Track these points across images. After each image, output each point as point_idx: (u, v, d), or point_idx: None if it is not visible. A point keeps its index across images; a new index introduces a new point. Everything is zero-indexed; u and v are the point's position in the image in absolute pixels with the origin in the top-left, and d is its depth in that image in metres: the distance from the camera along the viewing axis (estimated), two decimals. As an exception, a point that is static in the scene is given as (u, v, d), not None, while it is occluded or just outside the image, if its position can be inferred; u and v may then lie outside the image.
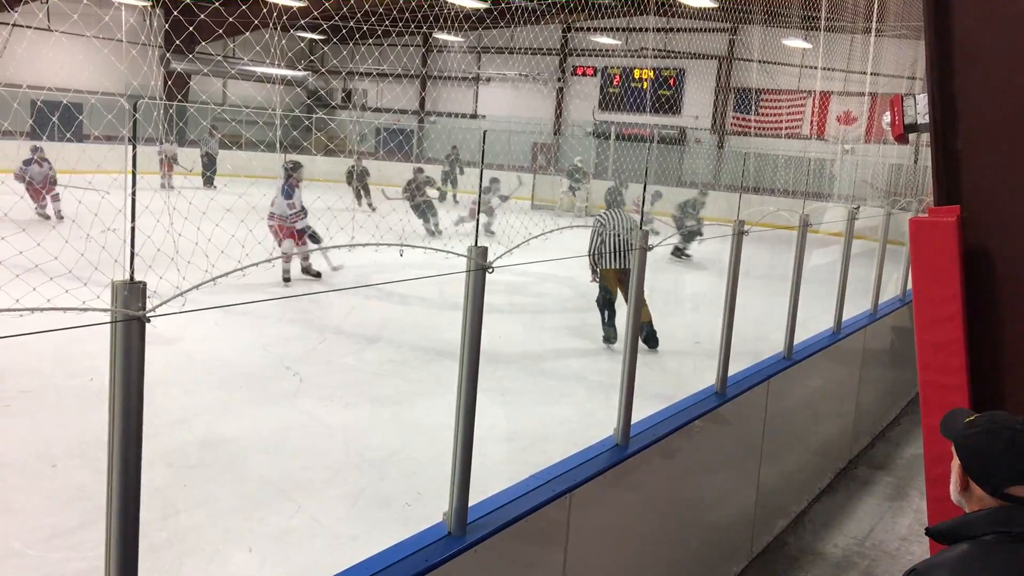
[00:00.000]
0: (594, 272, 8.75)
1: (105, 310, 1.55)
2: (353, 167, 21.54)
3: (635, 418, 3.72)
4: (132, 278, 1.58)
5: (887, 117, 3.75)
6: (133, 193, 1.56)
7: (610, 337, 8.63)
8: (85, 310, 1.50)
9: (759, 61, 25.36)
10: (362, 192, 21.00)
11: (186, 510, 4.64)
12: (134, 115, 1.54)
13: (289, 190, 10.67)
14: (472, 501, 2.77)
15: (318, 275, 10.82)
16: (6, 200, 1.98)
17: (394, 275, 9.35)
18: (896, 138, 3.82)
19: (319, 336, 7.27)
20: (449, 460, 2.72)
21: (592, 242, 8.69)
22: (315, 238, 10.51)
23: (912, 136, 4.13)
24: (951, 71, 3.51)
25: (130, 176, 1.57)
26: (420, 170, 22.65)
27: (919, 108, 3.70)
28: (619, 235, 8.44)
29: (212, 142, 23.48)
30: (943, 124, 3.54)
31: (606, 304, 8.67)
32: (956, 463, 2.07)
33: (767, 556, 5.02)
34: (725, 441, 4.57)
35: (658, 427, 3.85)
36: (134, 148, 1.56)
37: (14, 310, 1.46)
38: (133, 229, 1.57)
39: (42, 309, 1.48)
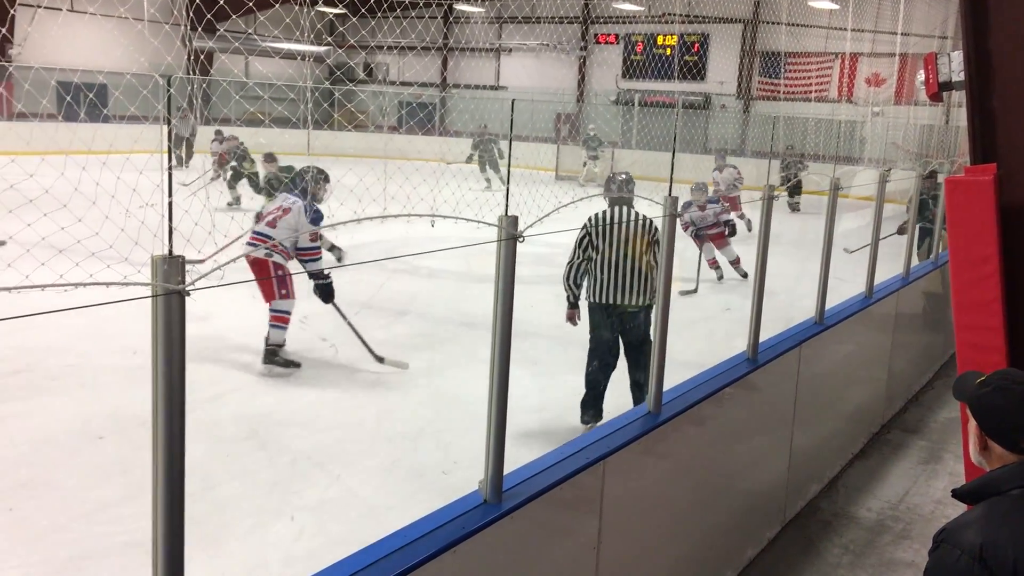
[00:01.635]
0: (575, 304, 5.66)
1: (145, 284, 1.57)
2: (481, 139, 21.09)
3: (666, 385, 3.72)
4: (171, 252, 1.60)
5: (921, 76, 3.68)
6: (170, 169, 1.58)
7: (591, 419, 5.62)
8: (126, 284, 1.52)
9: (787, 24, 24.96)
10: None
11: (224, 483, 4.71)
12: (168, 91, 1.55)
13: (312, 210, 6.69)
14: (506, 471, 2.79)
15: (297, 365, 6.75)
16: (47, 179, 2.00)
17: (421, 248, 9.36)
18: (930, 97, 3.75)
19: (347, 311, 7.30)
20: (481, 430, 2.74)
21: (574, 257, 5.56)
22: (327, 293, 6.68)
23: (945, 95, 4.06)
24: (986, 27, 3.44)
25: (166, 153, 1.59)
26: (485, 127, 22.62)
27: (953, 66, 3.64)
28: (627, 252, 5.42)
29: (186, 124, 20.45)
30: (978, 81, 3.48)
31: (601, 372, 5.67)
32: (973, 424, 2.08)
33: (800, 521, 5.02)
34: (757, 407, 4.56)
35: (690, 394, 3.85)
36: (169, 124, 1.58)
37: (58, 285, 1.49)
38: (171, 204, 1.58)
39: (85, 284, 1.50)
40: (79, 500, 4.49)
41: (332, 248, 8.78)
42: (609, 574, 3.23)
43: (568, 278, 5.61)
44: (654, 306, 4.65)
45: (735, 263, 10.81)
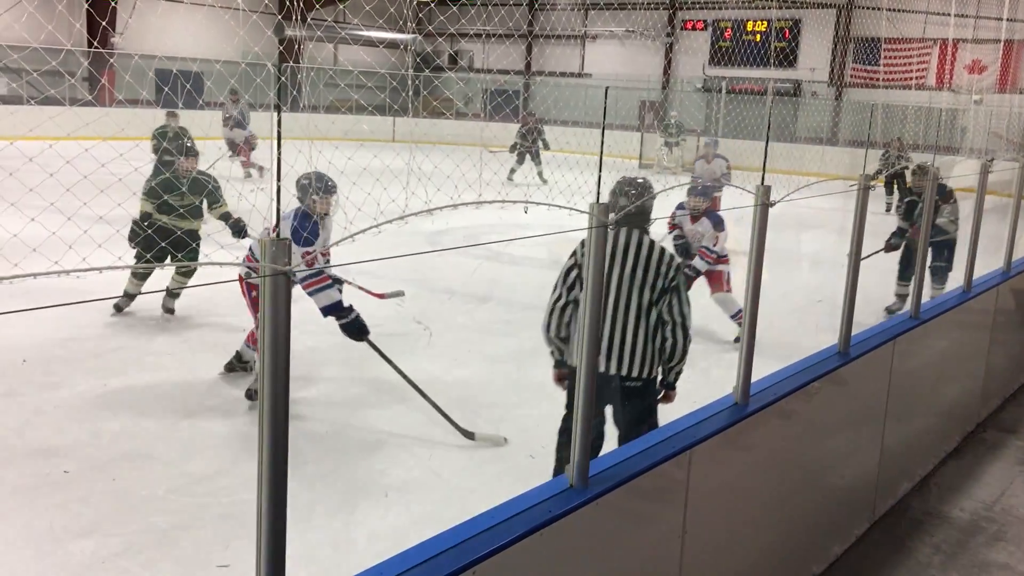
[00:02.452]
0: (562, 363, 4.37)
1: (255, 266, 1.64)
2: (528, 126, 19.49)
3: (754, 377, 3.68)
4: (279, 235, 1.66)
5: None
6: (279, 155, 1.64)
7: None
8: (238, 265, 1.58)
9: (885, 9, 24.16)
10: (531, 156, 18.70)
11: (314, 460, 4.85)
12: (279, 78, 1.61)
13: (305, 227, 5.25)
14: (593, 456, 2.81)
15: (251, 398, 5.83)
16: (143, 163, 2.10)
17: (503, 235, 9.42)
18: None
19: (432, 295, 7.43)
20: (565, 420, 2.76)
21: (557, 297, 4.31)
22: (353, 330, 5.32)
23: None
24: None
25: (275, 139, 1.65)
26: (531, 113, 21.65)
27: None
28: (627, 299, 3.99)
29: (237, 110, 15.37)
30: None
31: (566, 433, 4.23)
32: None
33: (890, 519, 4.91)
34: (848, 402, 4.47)
35: (778, 386, 3.79)
36: (279, 111, 1.64)
37: (176, 265, 1.56)
38: (279, 189, 1.65)
39: (202, 264, 1.57)
40: (177, 472, 4.68)
41: (233, 222, 6.57)
42: (694, 563, 3.22)
43: (549, 327, 4.25)
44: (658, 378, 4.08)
45: (736, 317, 7.43)
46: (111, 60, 19.21)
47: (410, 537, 2.51)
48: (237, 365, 6.14)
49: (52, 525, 4.08)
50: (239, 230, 6.50)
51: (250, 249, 5.61)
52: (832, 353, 4.34)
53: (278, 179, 1.64)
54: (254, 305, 5.40)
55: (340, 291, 5.36)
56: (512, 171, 18.03)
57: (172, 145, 6.90)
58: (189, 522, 4.18)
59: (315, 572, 3.77)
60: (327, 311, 5.17)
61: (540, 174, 18.19)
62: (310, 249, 5.16)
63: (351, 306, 5.23)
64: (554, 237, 2.83)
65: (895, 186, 15.62)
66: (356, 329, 5.25)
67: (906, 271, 8.50)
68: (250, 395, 5.60)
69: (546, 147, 19.47)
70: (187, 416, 5.42)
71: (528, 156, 18.76)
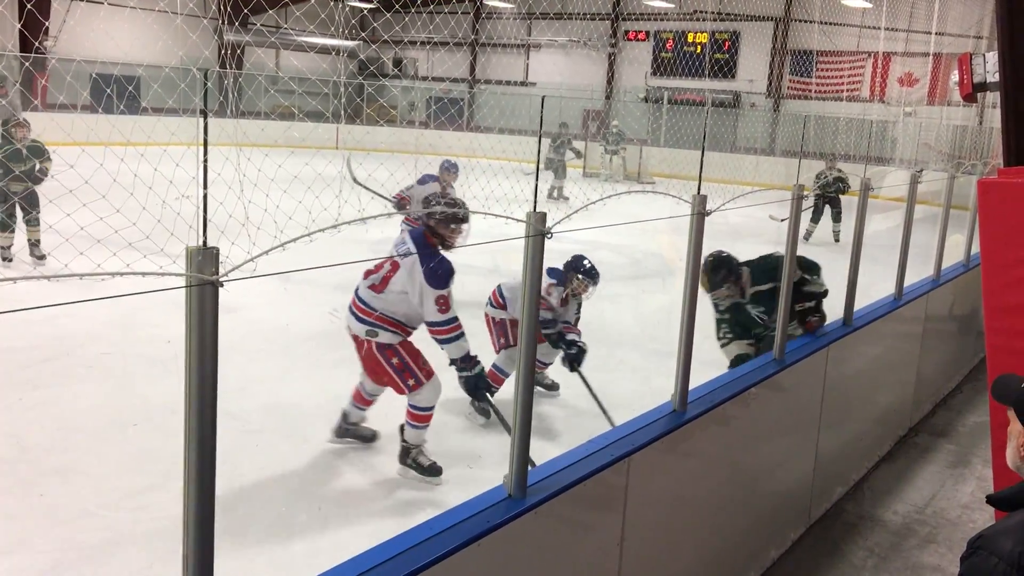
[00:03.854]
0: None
1: (180, 275, 1.60)
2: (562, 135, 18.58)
3: (692, 384, 3.71)
4: (206, 244, 1.62)
5: (955, 76, 3.65)
6: (205, 161, 1.60)
7: None
8: (162, 275, 1.55)
9: (819, 22, 24.74)
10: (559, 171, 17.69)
11: (251, 473, 4.76)
12: (205, 84, 1.57)
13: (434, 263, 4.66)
14: (529, 467, 2.80)
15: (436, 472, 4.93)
16: (87, 167, 2.04)
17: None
18: (964, 98, 3.72)
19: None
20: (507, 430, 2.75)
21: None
22: (473, 386, 4.81)
23: (978, 97, 4.02)
24: (1022, 28, 3.40)
25: (202, 146, 1.61)
26: (564, 125, 20.84)
27: (988, 67, 3.60)
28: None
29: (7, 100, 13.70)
30: (1013, 83, 3.44)
31: None
32: (1017, 427, 2.04)
33: (825, 522, 5.00)
34: (783, 408, 4.54)
35: (715, 393, 3.84)
36: (205, 117, 1.60)
37: (95, 275, 1.52)
38: (206, 196, 1.61)
39: (121, 273, 1.53)
40: (108, 487, 4.55)
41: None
42: (632, 571, 3.23)
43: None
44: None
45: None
46: (51, 62, 18.76)
47: (349, 549, 2.47)
48: (346, 427, 5.20)
49: (-25, 543, 3.93)
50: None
51: (365, 303, 4.75)
52: (768, 360, 4.40)
53: (204, 187, 1.60)
54: (402, 372, 4.74)
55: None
56: (552, 188, 17.32)
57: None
58: (119, 538, 4.06)
59: (250, 587, 3.69)
60: (458, 362, 4.71)
61: (560, 189, 17.46)
62: (444, 292, 4.51)
63: (476, 360, 4.73)
64: (496, 245, 2.82)
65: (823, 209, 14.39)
66: (477, 385, 4.76)
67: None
68: (407, 453, 4.89)
69: (577, 155, 19.00)
70: (118, 429, 5.28)
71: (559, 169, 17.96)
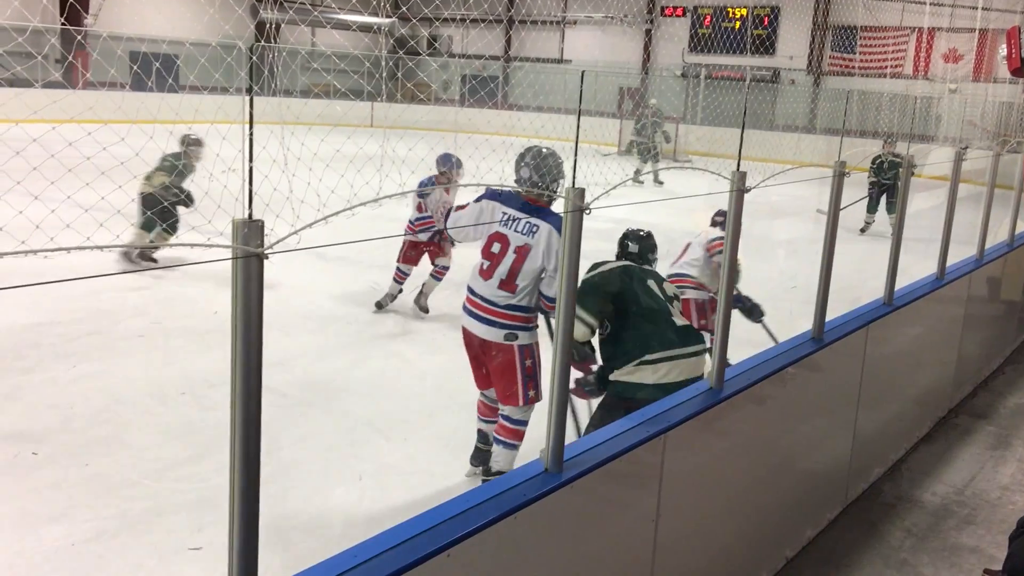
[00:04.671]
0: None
1: (227, 247, 1.62)
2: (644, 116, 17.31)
3: (729, 362, 3.70)
4: (251, 216, 1.64)
5: (1003, 50, 3.57)
6: (251, 136, 1.62)
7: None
8: (209, 246, 1.57)
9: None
10: (649, 153, 16.43)
11: (289, 446, 4.84)
12: (251, 59, 1.59)
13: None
14: (567, 440, 2.81)
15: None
16: (138, 142, 2.07)
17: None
18: (1012, 72, 3.65)
19: (410, 281, 7.41)
20: (543, 400, 2.76)
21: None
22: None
23: (1028, 71, 3.93)
24: (1075, 0, 3.32)
25: (247, 122, 1.63)
26: (648, 105, 18.91)
27: (1038, 41, 3.51)
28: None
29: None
30: (1064, 57, 3.36)
31: None
32: None
33: (862, 503, 4.97)
34: (821, 387, 4.51)
35: (752, 372, 3.82)
36: (251, 93, 1.62)
37: (143, 247, 1.54)
38: (251, 170, 1.63)
39: (170, 245, 1.56)
40: (151, 457, 4.65)
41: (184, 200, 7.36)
42: (667, 546, 3.24)
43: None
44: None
45: None
46: (78, 38, 18.95)
47: (385, 522, 2.51)
48: (483, 448, 4.64)
49: (23, 510, 4.04)
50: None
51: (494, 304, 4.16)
52: (806, 339, 4.37)
53: (250, 160, 1.62)
54: (530, 377, 4.15)
55: None
56: (637, 172, 15.64)
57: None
58: (162, 507, 4.15)
59: (289, 558, 3.76)
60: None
61: (656, 175, 15.89)
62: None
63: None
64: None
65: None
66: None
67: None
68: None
69: (667, 140, 17.41)
70: (161, 401, 5.38)
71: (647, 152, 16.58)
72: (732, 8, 28.46)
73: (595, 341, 4.21)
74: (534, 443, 3.97)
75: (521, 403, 4.23)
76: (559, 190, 4.08)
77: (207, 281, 7.04)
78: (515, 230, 4.14)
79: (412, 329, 6.96)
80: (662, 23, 30.35)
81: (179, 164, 7.46)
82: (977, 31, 20.50)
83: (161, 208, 7.34)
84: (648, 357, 3.96)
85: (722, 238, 4.04)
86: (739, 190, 3.49)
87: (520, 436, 4.34)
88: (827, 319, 4.48)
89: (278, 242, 1.66)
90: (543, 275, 4.11)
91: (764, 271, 9.84)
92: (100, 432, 4.93)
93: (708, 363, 3.79)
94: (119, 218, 1.90)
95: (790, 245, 11.78)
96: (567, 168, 2.68)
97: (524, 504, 2.57)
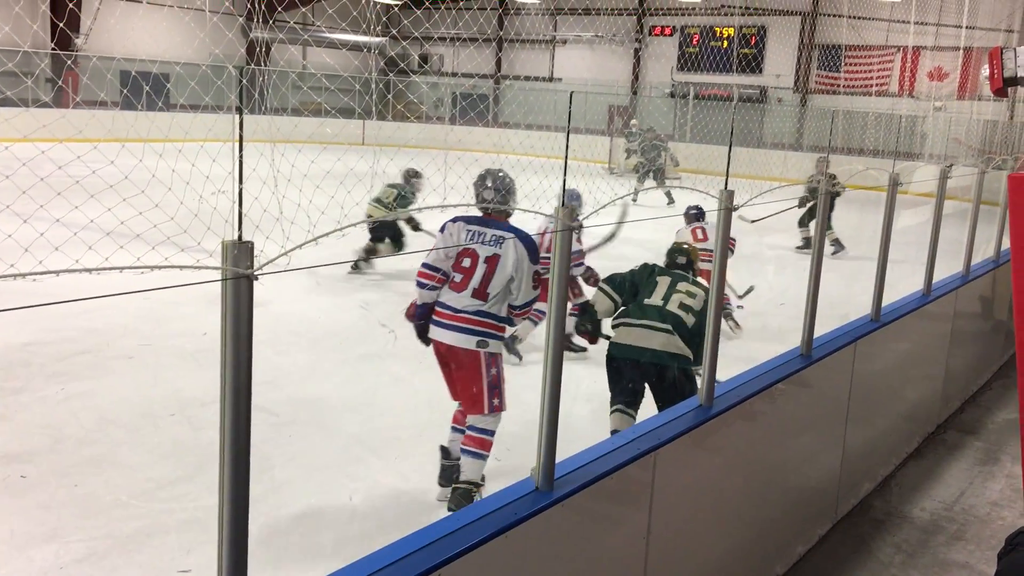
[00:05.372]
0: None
1: (216, 268, 1.64)
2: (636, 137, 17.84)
3: (718, 379, 3.72)
4: (241, 238, 1.66)
5: (985, 70, 3.62)
6: (241, 157, 1.64)
7: None
8: (199, 268, 1.58)
9: (847, 16, 24.52)
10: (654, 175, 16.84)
11: (280, 465, 4.83)
12: (241, 81, 1.61)
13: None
14: (558, 459, 2.82)
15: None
16: (127, 163, 2.08)
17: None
18: (995, 92, 3.69)
19: (404, 300, 7.42)
20: (534, 419, 2.77)
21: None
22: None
23: (1010, 91, 3.99)
24: (1054, 21, 3.37)
25: (237, 142, 1.65)
26: (651, 129, 19.86)
27: (1019, 60, 3.57)
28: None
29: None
30: (1045, 77, 3.41)
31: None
32: None
33: (852, 519, 4.98)
34: (810, 404, 4.53)
35: (742, 388, 3.84)
36: (241, 114, 1.64)
37: (132, 268, 1.56)
38: (241, 191, 1.64)
39: (159, 267, 1.57)
40: (141, 477, 4.63)
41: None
42: (658, 564, 3.25)
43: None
44: None
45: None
46: (67, 62, 18.98)
47: (377, 541, 2.51)
48: (476, 492, 4.41)
49: (13, 531, 4.02)
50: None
51: (461, 312, 4.34)
52: (795, 355, 4.39)
53: (240, 182, 1.64)
54: (493, 387, 4.39)
55: None
56: (636, 192, 15.94)
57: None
58: (152, 528, 4.14)
59: (280, 577, 3.74)
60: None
61: (668, 194, 16.33)
62: (539, 267, 4.42)
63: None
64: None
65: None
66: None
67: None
68: (468, 497, 4.33)
69: (675, 164, 17.72)
70: (151, 421, 5.36)
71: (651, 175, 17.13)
72: (719, 28, 28.73)
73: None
74: (527, 461, 3.97)
75: (486, 411, 4.36)
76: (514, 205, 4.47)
77: (198, 300, 7.04)
78: (482, 243, 4.36)
79: (404, 347, 6.95)
80: (650, 42, 30.59)
81: (403, 192, 8.89)
82: (962, 50, 20.72)
83: (390, 227, 9.03)
84: (629, 320, 4.73)
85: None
86: (727, 208, 3.52)
87: (487, 446, 4.42)
88: (816, 335, 4.50)
89: (268, 263, 1.67)
90: (511, 285, 4.35)
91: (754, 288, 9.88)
92: (90, 452, 4.90)
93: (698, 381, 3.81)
94: (108, 240, 1.91)
95: (778, 261, 11.84)
96: (556, 186, 2.72)
97: (515, 523, 2.57)
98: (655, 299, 4.73)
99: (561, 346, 2.74)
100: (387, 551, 2.37)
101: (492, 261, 4.33)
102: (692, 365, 4.56)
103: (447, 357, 4.45)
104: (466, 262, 4.37)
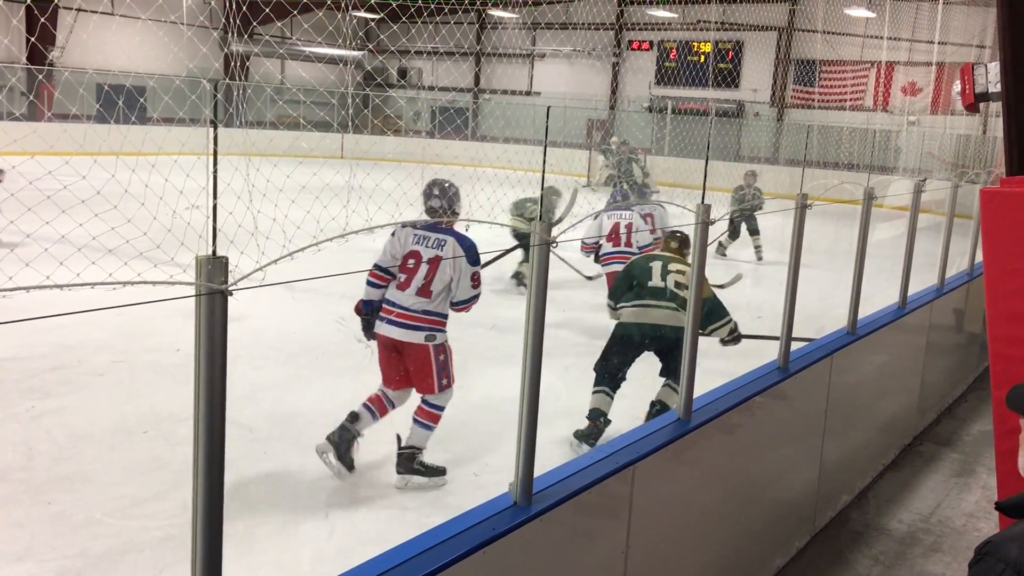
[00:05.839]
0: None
1: (190, 284, 1.62)
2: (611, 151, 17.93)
3: (696, 393, 3.73)
4: (215, 253, 1.64)
5: (957, 86, 3.67)
6: (215, 172, 1.63)
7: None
8: (172, 284, 1.57)
9: (822, 32, 24.81)
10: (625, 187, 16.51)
11: (256, 481, 4.78)
12: (215, 96, 1.60)
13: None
14: (536, 473, 2.81)
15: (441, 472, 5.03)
16: (99, 178, 2.06)
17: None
18: (966, 107, 3.74)
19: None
20: (512, 433, 2.77)
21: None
22: None
23: (982, 105, 4.04)
24: (1023, 38, 3.42)
25: (212, 156, 1.64)
26: (625, 143, 20.12)
27: (990, 76, 3.62)
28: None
29: None
30: (1015, 92, 3.45)
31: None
32: None
33: (830, 531, 5.00)
34: (788, 416, 4.55)
35: (720, 402, 3.85)
36: (215, 128, 1.62)
37: (105, 284, 1.54)
38: (215, 207, 1.63)
39: (132, 283, 1.55)
40: (115, 495, 4.57)
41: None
42: (637, 579, 3.24)
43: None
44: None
45: None
46: (39, 76, 18.85)
47: (355, 557, 2.49)
48: (418, 455, 4.89)
49: (-17, 551, 3.95)
50: None
51: (411, 311, 4.73)
52: (772, 368, 4.41)
53: (214, 196, 1.62)
54: (443, 369, 4.84)
55: None
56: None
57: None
58: (126, 546, 4.08)
59: (257, 595, 3.70)
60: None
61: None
62: (478, 268, 4.87)
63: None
64: (498, 252, 2.85)
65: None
66: None
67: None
68: (412, 459, 4.85)
69: (645, 174, 17.92)
70: (125, 438, 5.30)
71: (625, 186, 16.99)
72: (696, 43, 28.96)
73: None
74: (506, 475, 3.97)
75: (437, 391, 4.90)
76: (460, 212, 4.93)
77: (174, 315, 6.96)
78: (426, 246, 4.80)
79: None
80: (629, 57, 30.79)
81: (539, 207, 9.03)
82: (934, 65, 21.00)
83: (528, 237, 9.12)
84: (635, 302, 5.55)
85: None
86: (704, 222, 3.54)
87: (437, 419, 4.96)
88: (792, 348, 4.53)
89: (243, 278, 1.66)
90: (451, 284, 4.78)
91: (730, 301, 9.92)
92: (63, 470, 4.84)
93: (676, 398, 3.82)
94: (80, 256, 1.88)
95: (755, 274, 11.91)
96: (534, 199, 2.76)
97: (493, 538, 2.56)
98: (655, 281, 5.52)
99: (539, 359, 2.74)
100: (365, 567, 2.35)
101: (434, 263, 4.77)
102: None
103: (394, 351, 4.88)
104: (411, 263, 4.81)
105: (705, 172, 3.79)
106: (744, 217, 12.99)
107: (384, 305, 4.84)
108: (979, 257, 8.32)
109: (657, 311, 5.45)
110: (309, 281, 3.44)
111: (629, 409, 5.68)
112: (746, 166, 16.62)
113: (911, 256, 6.31)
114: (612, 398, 5.43)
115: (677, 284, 5.44)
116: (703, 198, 3.54)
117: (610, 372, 5.48)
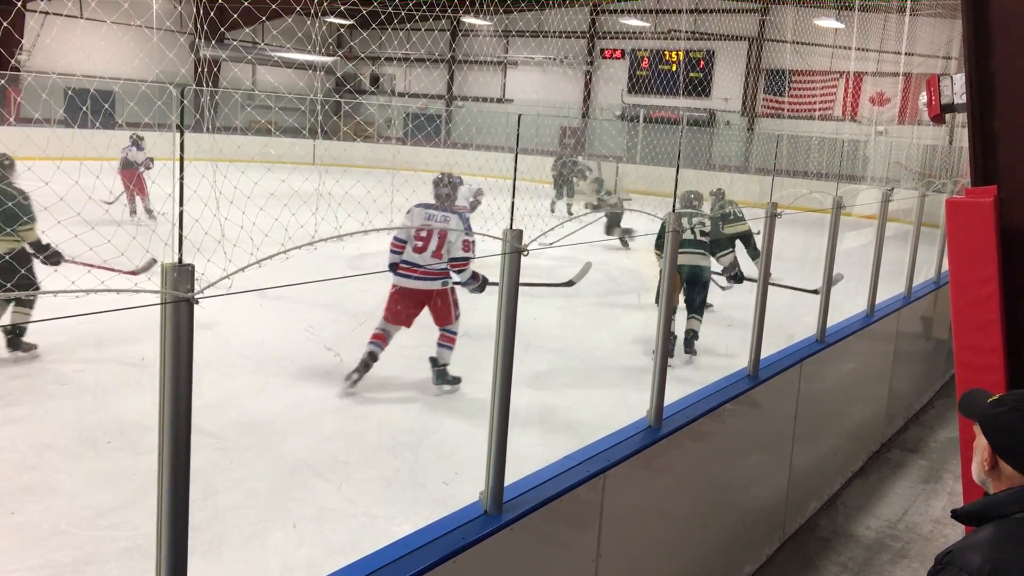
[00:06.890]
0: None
1: (155, 292, 1.60)
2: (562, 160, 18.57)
3: (667, 400, 3.74)
4: (181, 261, 1.62)
5: (923, 97, 3.71)
6: (181, 178, 1.60)
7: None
8: (137, 292, 1.54)
9: (791, 42, 25.08)
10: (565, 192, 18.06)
11: (225, 490, 4.73)
12: (182, 101, 1.58)
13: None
14: (507, 482, 2.80)
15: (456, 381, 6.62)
16: (62, 186, 2.03)
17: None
18: (932, 118, 3.78)
19: (353, 320, 7.35)
20: (483, 441, 2.76)
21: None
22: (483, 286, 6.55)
23: (948, 116, 4.09)
24: (988, 50, 3.47)
25: (178, 162, 1.61)
26: (567, 145, 21.03)
27: (956, 88, 3.67)
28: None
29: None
30: (980, 104, 3.50)
31: None
32: (982, 443, 2.06)
33: (799, 538, 5.03)
34: (757, 424, 4.58)
35: (691, 409, 3.86)
36: (182, 134, 1.60)
37: (69, 292, 1.51)
38: (181, 214, 1.61)
39: (96, 290, 1.53)
40: (80, 505, 4.50)
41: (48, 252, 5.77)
42: (607, 587, 3.24)
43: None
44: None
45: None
46: (1, 81, 18.59)
47: (323, 567, 2.46)
48: (367, 365, 6.47)
49: (-58, 563, 3.87)
50: (54, 260, 5.70)
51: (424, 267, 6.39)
52: (742, 376, 4.44)
53: (180, 204, 1.60)
54: (456, 304, 6.68)
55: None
56: (553, 203, 17.74)
57: None
58: (91, 557, 4.01)
59: (224, 606, 3.66)
60: (471, 283, 6.57)
61: (569, 207, 18.02)
62: (470, 238, 6.49)
63: (482, 275, 6.60)
64: (472, 260, 2.84)
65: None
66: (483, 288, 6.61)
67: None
68: (444, 375, 6.57)
69: (582, 177, 18.08)
70: (91, 447, 5.22)
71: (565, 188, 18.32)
72: (668, 52, 29.15)
73: None
74: (476, 484, 3.96)
75: (453, 320, 6.62)
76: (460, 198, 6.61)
77: (139, 323, 6.88)
78: (435, 221, 6.46)
79: (351, 368, 6.86)
80: (601, 65, 30.93)
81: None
82: (902, 76, 21.29)
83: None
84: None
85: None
86: (674, 231, 3.55)
87: (454, 341, 6.65)
88: (762, 356, 4.56)
89: (209, 286, 1.64)
90: (450, 246, 6.37)
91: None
92: (27, 479, 4.75)
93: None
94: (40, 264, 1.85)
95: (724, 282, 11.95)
96: (505, 207, 2.75)
97: (463, 548, 2.55)
98: (687, 233, 7.39)
99: (509, 369, 2.73)
100: (333, 578, 2.33)
101: (443, 233, 6.38)
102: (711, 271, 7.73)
103: (414, 301, 6.54)
104: (424, 232, 6.38)
105: (676, 180, 3.80)
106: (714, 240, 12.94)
107: (405, 266, 6.40)
108: (946, 266, 8.44)
109: (692, 256, 7.39)
110: (278, 289, 3.41)
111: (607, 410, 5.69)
112: (717, 175, 16.74)
113: (879, 264, 6.38)
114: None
115: (702, 232, 7.51)
116: (674, 207, 3.56)
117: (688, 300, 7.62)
